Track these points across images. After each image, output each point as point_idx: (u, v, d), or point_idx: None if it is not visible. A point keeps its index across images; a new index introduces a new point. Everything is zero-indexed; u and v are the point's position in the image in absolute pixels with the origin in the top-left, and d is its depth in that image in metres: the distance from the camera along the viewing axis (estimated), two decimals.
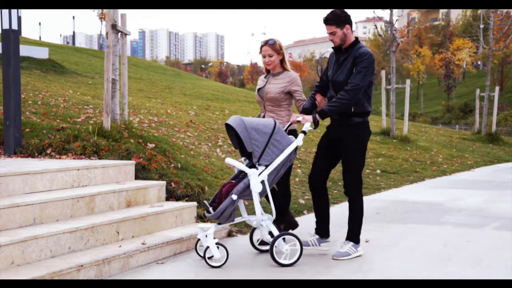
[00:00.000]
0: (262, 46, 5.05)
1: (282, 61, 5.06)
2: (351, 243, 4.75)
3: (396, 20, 16.55)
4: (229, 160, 4.49)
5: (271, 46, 5.00)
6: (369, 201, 7.62)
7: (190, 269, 4.37)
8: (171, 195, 5.75)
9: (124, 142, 6.27)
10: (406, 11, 73.74)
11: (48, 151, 5.97)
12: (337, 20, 4.62)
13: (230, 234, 5.46)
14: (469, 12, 74.95)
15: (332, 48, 4.80)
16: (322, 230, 4.88)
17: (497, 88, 20.69)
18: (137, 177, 5.81)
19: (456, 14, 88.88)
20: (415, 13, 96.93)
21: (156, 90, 15.67)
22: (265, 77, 5.17)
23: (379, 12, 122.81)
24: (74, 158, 5.83)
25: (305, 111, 4.80)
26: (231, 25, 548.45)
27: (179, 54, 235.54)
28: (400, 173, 10.30)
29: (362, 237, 5.19)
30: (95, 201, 4.83)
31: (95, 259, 4.03)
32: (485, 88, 20.91)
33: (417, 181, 9.93)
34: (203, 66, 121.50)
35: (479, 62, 78.49)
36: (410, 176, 10.21)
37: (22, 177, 4.60)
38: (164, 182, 5.71)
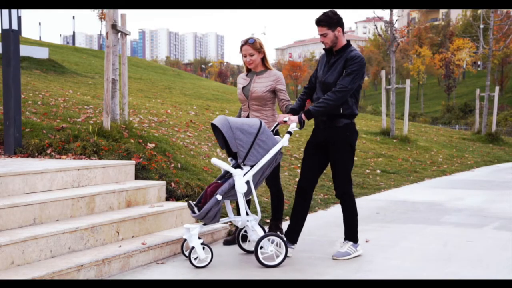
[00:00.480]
0: (242, 46, 5.03)
1: (264, 60, 5.05)
2: (350, 242, 4.75)
3: (396, 20, 16.55)
4: (215, 160, 4.47)
5: (252, 45, 4.98)
6: (369, 201, 7.63)
7: (190, 269, 4.37)
8: (171, 195, 5.76)
9: (124, 142, 6.27)
10: (406, 11, 73.76)
11: (48, 151, 5.97)
12: (328, 22, 4.61)
13: (230, 234, 5.46)
14: (469, 12, 74.94)
15: (324, 49, 4.79)
16: (292, 236, 4.80)
17: (497, 88, 20.69)
18: (137, 177, 5.81)
19: (456, 14, 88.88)
20: (415, 13, 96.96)
21: (156, 90, 15.67)
22: (246, 75, 5.15)
23: (379, 12, 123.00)
24: (74, 158, 5.83)
25: (292, 111, 4.78)
26: (231, 25, 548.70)
27: (179, 54, 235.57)
28: (400, 173, 10.31)
29: (363, 237, 5.20)
30: (95, 201, 4.84)
31: (95, 259, 4.04)
32: (485, 88, 20.90)
33: (417, 181, 9.93)
34: (203, 66, 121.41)
35: (479, 62, 78.45)
36: (410, 176, 10.21)
37: (22, 177, 4.60)
38: (164, 182, 5.71)
